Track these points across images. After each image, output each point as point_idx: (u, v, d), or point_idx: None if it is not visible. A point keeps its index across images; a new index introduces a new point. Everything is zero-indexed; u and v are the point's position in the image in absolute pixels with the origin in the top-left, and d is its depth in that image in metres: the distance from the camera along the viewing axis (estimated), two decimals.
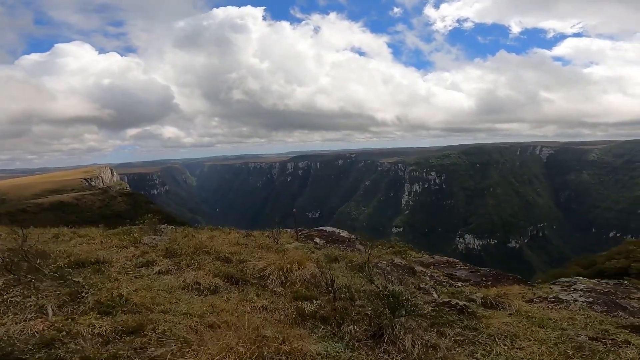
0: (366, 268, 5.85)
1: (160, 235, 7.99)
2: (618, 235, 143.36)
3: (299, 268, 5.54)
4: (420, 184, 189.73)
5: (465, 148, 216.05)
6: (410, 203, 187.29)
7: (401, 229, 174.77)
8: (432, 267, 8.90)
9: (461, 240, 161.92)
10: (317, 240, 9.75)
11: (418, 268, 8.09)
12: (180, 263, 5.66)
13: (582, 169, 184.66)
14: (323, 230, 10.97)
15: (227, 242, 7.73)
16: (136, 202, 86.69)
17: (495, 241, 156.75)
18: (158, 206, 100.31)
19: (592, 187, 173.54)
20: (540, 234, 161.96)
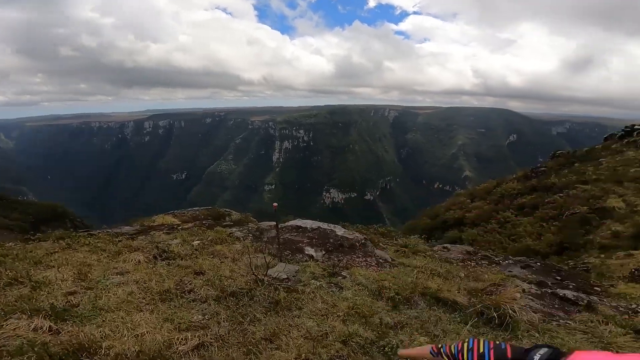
0: None
1: None
2: (440, 186, 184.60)
3: None
4: (290, 141, 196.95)
5: (331, 108, 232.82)
6: (281, 160, 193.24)
7: (273, 186, 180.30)
8: None
9: (327, 194, 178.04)
10: (310, 250, 6.16)
11: None
12: None
13: (417, 129, 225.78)
14: (301, 227, 7.23)
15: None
16: None
17: (355, 194, 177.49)
18: None
19: (423, 146, 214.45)
20: (388, 187, 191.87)
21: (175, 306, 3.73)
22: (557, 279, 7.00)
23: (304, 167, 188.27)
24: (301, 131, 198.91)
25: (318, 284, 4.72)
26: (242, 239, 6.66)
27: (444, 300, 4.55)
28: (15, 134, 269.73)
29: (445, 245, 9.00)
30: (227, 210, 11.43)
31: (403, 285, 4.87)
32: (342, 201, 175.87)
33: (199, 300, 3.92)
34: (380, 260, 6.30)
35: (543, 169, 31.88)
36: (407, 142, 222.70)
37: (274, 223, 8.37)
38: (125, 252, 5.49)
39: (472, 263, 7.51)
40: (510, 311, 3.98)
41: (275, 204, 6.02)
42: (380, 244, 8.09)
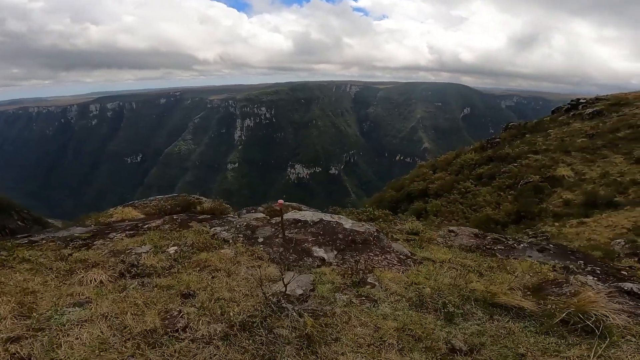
0: None
1: None
2: (402, 158, 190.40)
3: None
4: (252, 119, 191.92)
5: (292, 85, 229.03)
6: (243, 138, 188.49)
7: (236, 165, 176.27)
8: None
9: (292, 170, 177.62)
10: (318, 251, 5.18)
11: None
12: None
13: (377, 104, 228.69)
14: (300, 220, 6.10)
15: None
16: None
17: (320, 169, 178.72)
18: None
19: (384, 120, 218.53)
20: (352, 160, 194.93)
21: (170, 355, 2.69)
22: (581, 264, 6.41)
23: (267, 144, 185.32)
24: (263, 108, 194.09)
25: (345, 298, 3.86)
26: (230, 241, 5.40)
27: (503, 305, 3.86)
28: None
29: (451, 229, 8.15)
30: (197, 197, 10.41)
31: (443, 288, 4.18)
32: (308, 176, 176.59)
33: (201, 340, 2.90)
34: (401, 256, 5.49)
35: (497, 140, 33.77)
36: (369, 116, 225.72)
37: (261, 214, 7.60)
38: (81, 270, 4.05)
39: (491, 250, 6.86)
40: (602, 316, 3.44)
41: (281, 201, 4.96)
42: (392, 234, 7.19)
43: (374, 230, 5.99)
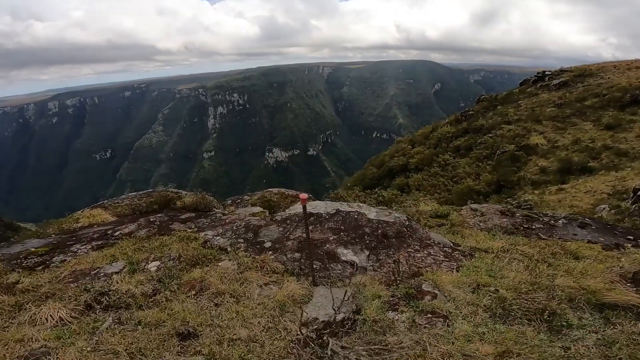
0: None
1: None
2: (378, 135, 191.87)
3: None
4: (225, 106, 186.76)
5: (263, 70, 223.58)
6: (217, 126, 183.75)
7: (212, 153, 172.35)
8: None
9: (270, 155, 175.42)
10: (346, 253, 4.17)
11: None
12: None
13: (351, 84, 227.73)
14: (313, 214, 5.05)
15: None
16: None
17: (298, 151, 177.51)
18: None
19: (358, 98, 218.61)
20: (329, 140, 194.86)
21: None
22: (629, 239, 5.67)
23: (243, 130, 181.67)
24: (235, 95, 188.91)
25: (404, 318, 2.93)
26: (229, 249, 4.31)
27: (610, 304, 3.08)
28: None
29: (473, 207, 7.21)
30: (176, 191, 9.65)
31: (522, 288, 3.37)
32: (286, 159, 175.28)
33: None
34: (445, 248, 4.53)
35: (471, 112, 34.39)
36: (343, 96, 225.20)
37: (258, 209, 6.42)
38: (32, 303, 3.07)
39: (531, 230, 6.04)
40: None
41: (304, 195, 3.58)
42: (422, 220, 6.09)
43: (405, 218, 4.98)
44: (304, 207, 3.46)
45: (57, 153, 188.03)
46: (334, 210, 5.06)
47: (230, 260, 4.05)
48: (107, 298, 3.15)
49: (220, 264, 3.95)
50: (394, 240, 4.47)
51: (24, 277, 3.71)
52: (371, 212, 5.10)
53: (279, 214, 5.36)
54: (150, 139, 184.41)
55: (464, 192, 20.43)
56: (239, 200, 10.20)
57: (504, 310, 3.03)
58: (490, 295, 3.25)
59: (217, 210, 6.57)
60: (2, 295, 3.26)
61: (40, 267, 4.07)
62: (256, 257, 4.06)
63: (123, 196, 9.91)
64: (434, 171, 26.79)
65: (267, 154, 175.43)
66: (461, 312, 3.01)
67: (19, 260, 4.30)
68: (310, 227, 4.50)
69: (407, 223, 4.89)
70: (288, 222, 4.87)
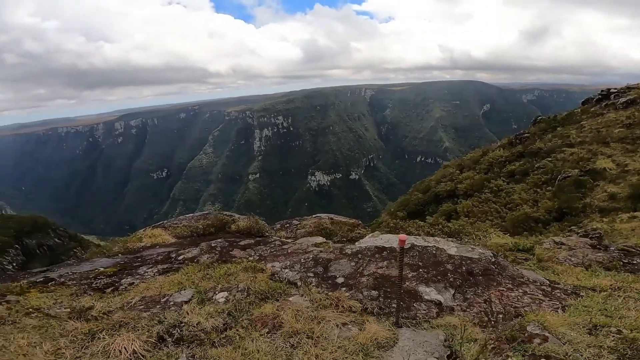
0: None
1: None
2: (423, 159, 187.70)
3: None
4: (270, 128, 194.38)
5: (306, 92, 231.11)
6: (262, 148, 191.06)
7: (257, 175, 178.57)
8: None
9: (313, 178, 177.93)
10: (428, 291, 3.91)
11: None
12: None
13: (394, 106, 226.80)
14: (385, 247, 4.79)
15: None
16: None
17: (340, 175, 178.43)
18: None
19: (402, 121, 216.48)
20: (372, 164, 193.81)
21: None
22: None
23: (286, 152, 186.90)
24: (280, 117, 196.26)
25: None
26: (299, 283, 4.14)
27: None
28: None
29: (557, 240, 6.60)
30: (229, 214, 10.02)
31: None
32: (328, 183, 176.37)
33: None
34: (543, 287, 4.13)
35: (526, 135, 32.48)
36: (386, 118, 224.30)
37: (320, 239, 5.99)
38: (105, 332, 3.02)
39: (633, 265, 5.46)
40: None
41: (403, 236, 3.24)
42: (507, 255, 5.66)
43: (490, 254, 4.66)
44: (401, 249, 3.19)
45: (120, 171, 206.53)
46: (409, 245, 4.82)
47: (301, 295, 3.82)
48: (179, 330, 3.03)
49: (290, 299, 3.76)
50: (480, 278, 4.15)
51: (95, 300, 3.68)
52: (451, 248, 4.82)
53: (349, 247, 5.11)
54: (201, 159, 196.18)
55: (520, 220, 19.05)
56: (287, 225, 10.26)
57: (634, 351, 2.66)
58: (613, 337, 2.90)
59: (274, 238, 6.53)
60: (75, 322, 3.16)
61: (109, 289, 4.10)
62: (330, 293, 3.80)
63: (181, 217, 10.41)
64: (485, 197, 25.34)
65: (309, 177, 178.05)
66: (582, 355, 2.68)
67: (89, 281, 4.34)
68: (384, 264, 4.36)
69: (493, 259, 4.58)
70: (359, 256, 4.64)
